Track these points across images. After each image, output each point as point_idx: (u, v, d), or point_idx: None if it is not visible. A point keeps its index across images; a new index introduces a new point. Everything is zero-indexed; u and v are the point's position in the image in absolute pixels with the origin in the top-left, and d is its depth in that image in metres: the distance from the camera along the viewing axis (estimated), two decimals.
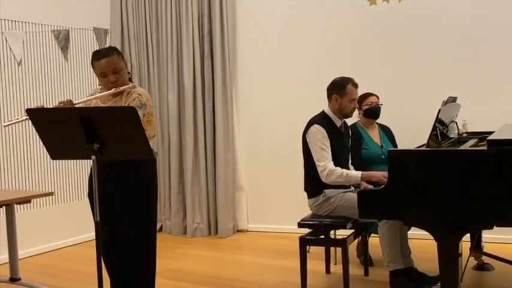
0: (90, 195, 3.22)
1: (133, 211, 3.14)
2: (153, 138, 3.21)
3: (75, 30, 5.66)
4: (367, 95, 4.48)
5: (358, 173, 3.72)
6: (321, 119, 3.87)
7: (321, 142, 3.75)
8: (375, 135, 4.51)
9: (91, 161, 2.73)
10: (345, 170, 3.73)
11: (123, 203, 3.14)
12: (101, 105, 3.18)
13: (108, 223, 3.18)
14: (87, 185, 3.33)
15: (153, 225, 3.28)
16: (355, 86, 3.91)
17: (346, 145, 4.03)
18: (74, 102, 3.02)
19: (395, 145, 4.57)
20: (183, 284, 4.20)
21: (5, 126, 3.16)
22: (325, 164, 3.71)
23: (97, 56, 3.11)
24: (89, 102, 3.22)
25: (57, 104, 3.03)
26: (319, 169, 3.73)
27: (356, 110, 3.98)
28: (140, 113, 2.94)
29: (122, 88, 3.06)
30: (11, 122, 3.06)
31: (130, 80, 3.28)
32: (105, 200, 3.11)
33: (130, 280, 3.25)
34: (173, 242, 5.57)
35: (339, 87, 3.88)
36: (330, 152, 3.75)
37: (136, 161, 3.00)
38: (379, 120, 4.61)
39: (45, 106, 2.99)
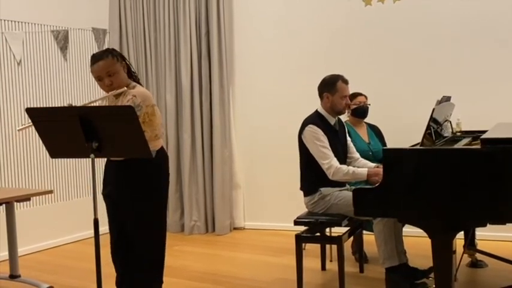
0: (103, 195, 3.24)
1: (144, 211, 3.13)
2: (155, 138, 3.15)
3: (74, 31, 5.69)
4: (355, 95, 4.53)
5: (364, 170, 3.70)
6: (314, 119, 3.86)
7: (319, 141, 3.74)
8: (363, 133, 4.57)
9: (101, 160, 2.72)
10: (351, 168, 3.72)
11: (133, 202, 3.12)
12: None
13: (117, 222, 3.21)
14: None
15: (163, 225, 3.30)
16: (346, 82, 3.90)
17: (343, 142, 4.02)
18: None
19: (384, 143, 4.62)
20: (181, 280, 4.23)
21: (18, 130, 3.09)
22: (330, 162, 3.69)
23: (92, 60, 3.08)
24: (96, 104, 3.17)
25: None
26: (324, 167, 3.70)
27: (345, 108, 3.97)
28: None
29: (118, 91, 3.01)
30: (24, 127, 2.98)
31: (134, 78, 3.22)
32: (115, 199, 3.15)
33: (135, 279, 3.26)
34: (171, 239, 5.47)
35: (329, 85, 3.87)
36: (330, 149, 3.74)
37: (148, 160, 2.96)
38: (367, 120, 4.67)
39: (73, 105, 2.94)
